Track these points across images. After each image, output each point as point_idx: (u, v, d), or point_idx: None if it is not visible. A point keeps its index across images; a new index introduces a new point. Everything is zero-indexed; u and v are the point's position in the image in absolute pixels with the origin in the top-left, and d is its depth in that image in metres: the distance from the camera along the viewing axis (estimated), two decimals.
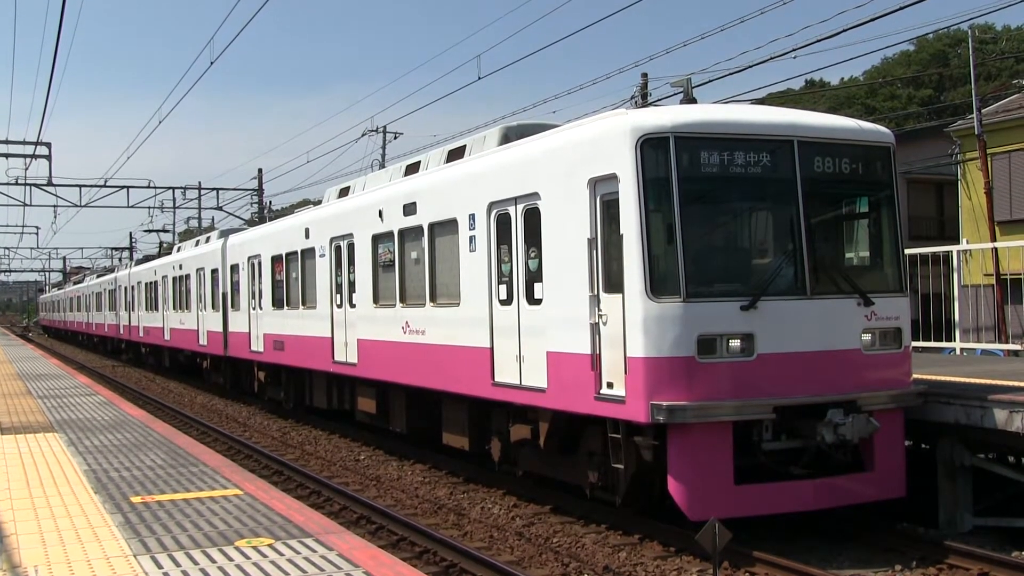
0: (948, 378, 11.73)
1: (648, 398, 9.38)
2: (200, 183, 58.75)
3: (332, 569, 6.61)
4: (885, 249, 10.93)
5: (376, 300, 16.07)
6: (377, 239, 15.94)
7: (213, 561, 6.88)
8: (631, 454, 9.95)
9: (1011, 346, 19.82)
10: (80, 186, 43.06)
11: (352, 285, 17.01)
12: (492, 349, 12.17)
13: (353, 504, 12.76)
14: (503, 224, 12.01)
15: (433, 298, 14.04)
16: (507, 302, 11.90)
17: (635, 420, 9.62)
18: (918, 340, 16.22)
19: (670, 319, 9.41)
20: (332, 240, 17.91)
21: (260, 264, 22.75)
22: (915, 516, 10.77)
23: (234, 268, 25.11)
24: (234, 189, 49.18)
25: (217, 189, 48.05)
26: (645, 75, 29.31)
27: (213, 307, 27.08)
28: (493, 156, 12.75)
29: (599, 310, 10.14)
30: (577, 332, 10.39)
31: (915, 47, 63.14)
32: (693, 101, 11.19)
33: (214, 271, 27.01)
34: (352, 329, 16.98)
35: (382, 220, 15.65)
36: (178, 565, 6.80)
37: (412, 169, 15.67)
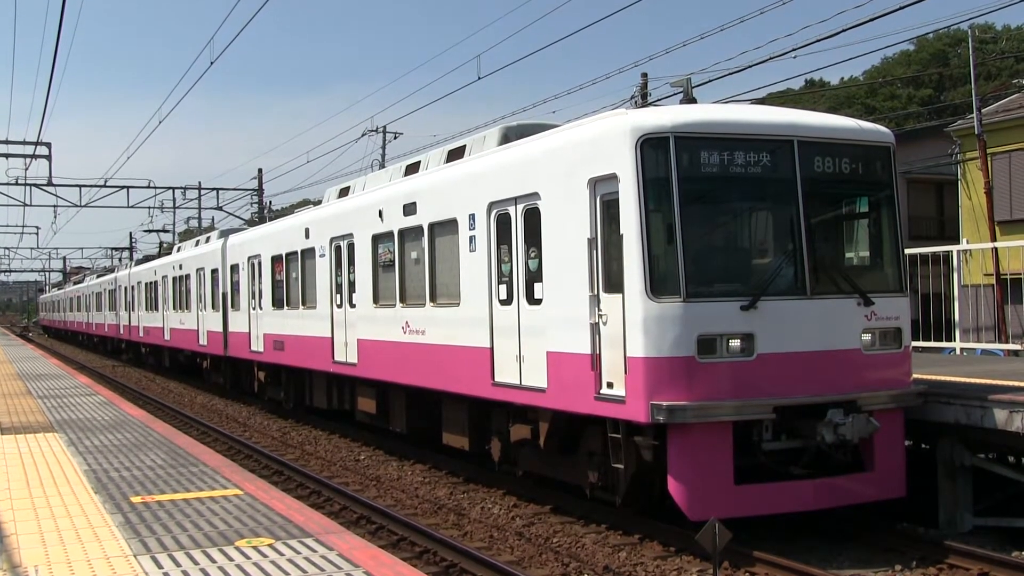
0: (948, 378, 11.73)
1: (648, 398, 9.39)
2: (200, 183, 58.75)
3: (332, 569, 6.61)
4: (885, 249, 10.93)
5: (376, 300, 16.07)
6: (377, 239, 15.94)
7: (213, 561, 6.88)
8: (631, 454, 9.95)
9: (1011, 346, 19.81)
10: (80, 186, 43.14)
11: (352, 285, 17.01)
12: (492, 349, 12.17)
13: (353, 504, 12.76)
14: (503, 224, 12.00)
15: (433, 298, 14.04)
16: (507, 302, 11.90)
17: (635, 420, 9.62)
18: (918, 340, 16.22)
19: (670, 319, 9.41)
20: (332, 240, 17.91)
21: (260, 264, 22.75)
22: (915, 516, 10.77)
23: (234, 268, 25.10)
24: (234, 189, 49.26)
25: (217, 189, 48.11)
26: (645, 75, 29.34)
27: (213, 307, 27.08)
28: (493, 156, 12.75)
29: (599, 310, 10.14)
30: (577, 332, 10.39)
31: (915, 47, 63.17)
32: (693, 101, 11.19)
33: (214, 271, 27.00)
34: (352, 329, 16.98)
35: (382, 220, 15.65)
36: (178, 565, 6.80)
37: (412, 169, 15.67)
